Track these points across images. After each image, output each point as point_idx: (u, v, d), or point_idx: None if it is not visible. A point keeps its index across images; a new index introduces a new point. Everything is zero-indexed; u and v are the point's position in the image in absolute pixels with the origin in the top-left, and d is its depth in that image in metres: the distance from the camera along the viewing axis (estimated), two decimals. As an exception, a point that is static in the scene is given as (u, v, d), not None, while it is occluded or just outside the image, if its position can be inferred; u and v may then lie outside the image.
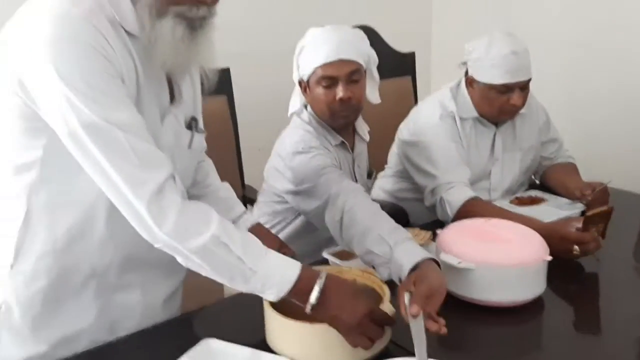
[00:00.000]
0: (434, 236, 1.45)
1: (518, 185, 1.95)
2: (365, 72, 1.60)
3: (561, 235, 1.40)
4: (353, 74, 1.54)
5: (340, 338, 1.02)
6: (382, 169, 2.14)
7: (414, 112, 1.93)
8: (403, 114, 2.40)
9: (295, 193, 1.55)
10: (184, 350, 1.08)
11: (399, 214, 1.87)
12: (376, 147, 2.19)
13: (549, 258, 1.27)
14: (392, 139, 2.10)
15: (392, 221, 1.29)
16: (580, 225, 1.42)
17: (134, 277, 1.18)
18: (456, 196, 1.68)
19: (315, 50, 1.54)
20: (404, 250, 1.18)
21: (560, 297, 1.35)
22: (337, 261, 1.43)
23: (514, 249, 1.27)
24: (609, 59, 2.53)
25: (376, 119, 2.35)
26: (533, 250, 1.27)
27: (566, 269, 1.41)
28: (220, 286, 1.10)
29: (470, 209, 1.62)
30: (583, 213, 1.64)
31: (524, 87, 1.75)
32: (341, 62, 1.52)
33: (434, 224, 1.65)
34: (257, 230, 1.35)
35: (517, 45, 1.71)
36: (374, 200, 1.90)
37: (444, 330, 1.01)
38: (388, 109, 2.38)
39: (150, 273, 1.20)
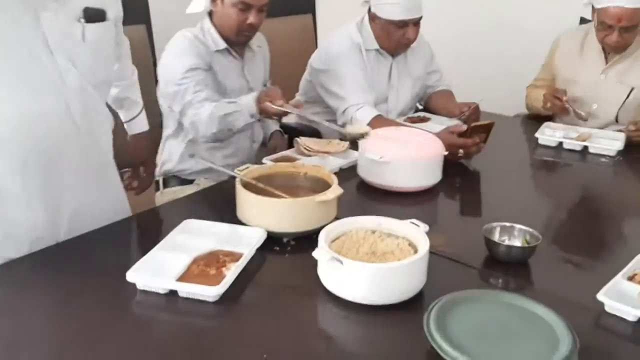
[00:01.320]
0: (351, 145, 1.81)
1: (409, 109, 2.34)
2: None
3: (449, 142, 1.79)
4: (265, 4, 1.82)
5: (299, 209, 1.32)
6: (293, 96, 2.43)
7: (326, 43, 2.22)
8: (306, 47, 2.70)
9: (164, 96, 1.85)
10: (167, 231, 1.32)
11: (314, 135, 2.18)
12: (285, 77, 2.47)
13: (445, 152, 1.66)
14: (297, 70, 2.39)
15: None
16: (459, 130, 1.81)
17: None
18: (365, 115, 2.03)
19: None
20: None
21: (450, 186, 1.75)
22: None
23: (419, 147, 1.65)
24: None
25: (282, 52, 2.62)
26: (433, 148, 1.66)
27: (454, 167, 1.80)
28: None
29: (377, 125, 1.96)
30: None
31: (416, 23, 2.11)
32: None
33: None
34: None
35: (412, -13, 2.06)
36: (287, 124, 2.24)
37: None
38: (291, 43, 2.68)
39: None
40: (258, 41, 2.00)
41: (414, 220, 1.25)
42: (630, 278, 1.19)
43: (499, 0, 3.00)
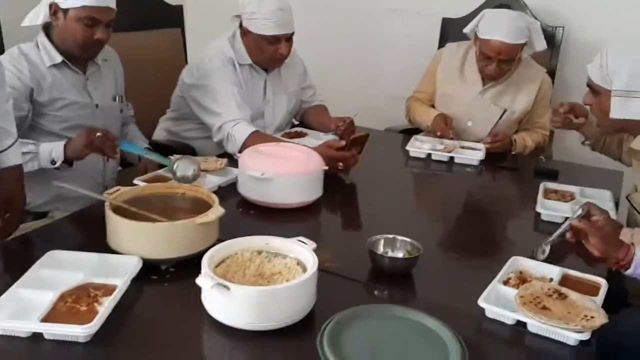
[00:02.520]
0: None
1: (285, 124, 2.32)
2: None
3: (329, 156, 1.79)
4: (112, 20, 1.72)
5: (177, 233, 1.24)
6: (163, 112, 2.32)
7: (197, 58, 2.13)
8: (176, 62, 2.60)
9: None
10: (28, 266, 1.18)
11: (187, 152, 2.09)
12: (155, 92, 2.34)
13: (326, 167, 1.66)
14: (166, 85, 2.29)
15: None
16: (337, 145, 1.83)
17: None
18: (242, 131, 1.97)
19: None
20: None
21: (331, 201, 1.74)
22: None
23: (300, 163, 1.63)
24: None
25: (151, 66, 2.50)
26: (313, 162, 1.65)
27: (332, 181, 1.81)
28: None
29: (254, 141, 1.92)
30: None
31: (288, 39, 2.10)
32: (108, 9, 1.69)
33: (224, 156, 1.92)
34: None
35: (283, 3, 2.05)
36: (157, 141, 2.13)
37: None
38: (160, 57, 2.57)
39: None
40: (104, 55, 1.86)
41: (301, 238, 1.22)
42: (505, 282, 1.26)
43: (368, 18, 3.10)
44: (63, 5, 1.65)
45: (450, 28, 2.75)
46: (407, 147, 2.17)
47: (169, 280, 1.24)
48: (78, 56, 1.74)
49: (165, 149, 2.03)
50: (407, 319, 1.06)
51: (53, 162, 1.63)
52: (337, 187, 1.81)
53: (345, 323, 1.03)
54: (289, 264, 1.19)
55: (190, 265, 1.22)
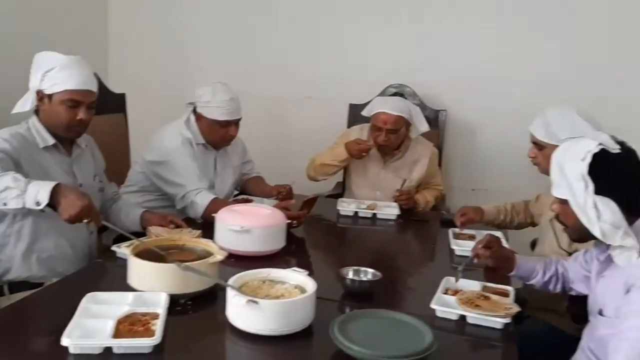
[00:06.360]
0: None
1: (230, 193, 2.68)
2: None
3: (287, 215, 2.14)
4: (93, 102, 1.97)
5: (176, 273, 1.52)
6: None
7: (158, 139, 2.45)
8: (120, 143, 2.89)
9: None
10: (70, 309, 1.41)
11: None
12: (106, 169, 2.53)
13: (289, 221, 2.04)
14: (116, 163, 2.55)
15: None
16: (289, 205, 2.23)
17: None
18: (203, 198, 2.30)
19: (68, 75, 1.88)
20: None
21: (290, 250, 2.10)
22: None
23: (270, 217, 2.00)
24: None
25: (100, 147, 2.73)
26: (279, 217, 2.03)
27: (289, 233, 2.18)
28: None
29: (213, 207, 2.24)
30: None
31: (237, 123, 2.50)
32: (88, 92, 1.94)
33: (188, 222, 2.22)
34: None
35: (233, 94, 2.46)
36: None
37: None
38: (107, 139, 2.83)
39: None
40: (85, 140, 2.11)
41: (295, 268, 1.58)
42: (445, 292, 1.69)
43: (285, 103, 3.60)
44: (48, 92, 1.88)
45: (357, 112, 3.30)
46: (338, 207, 2.61)
47: (190, 309, 1.53)
48: (63, 137, 1.95)
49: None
50: (391, 317, 1.45)
51: (38, 203, 1.60)
52: (289, 240, 2.18)
53: (347, 321, 1.39)
54: (288, 288, 1.53)
55: (201, 298, 1.54)
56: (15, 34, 2.91)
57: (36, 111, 1.95)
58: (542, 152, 2.09)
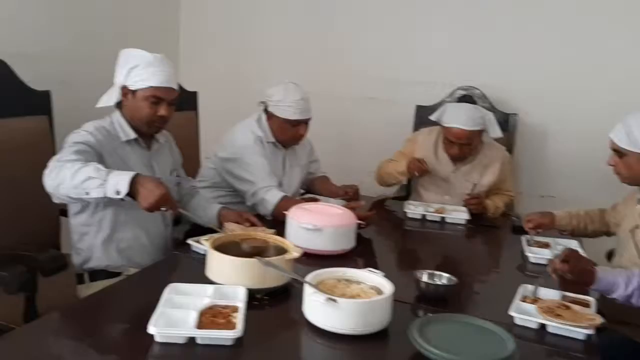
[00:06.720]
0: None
1: (297, 192, 2.70)
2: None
3: (357, 215, 2.13)
4: (175, 99, 2.03)
5: (255, 267, 1.55)
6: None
7: (230, 137, 2.50)
8: (191, 138, 2.94)
9: None
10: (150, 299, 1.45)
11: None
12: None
13: (360, 222, 2.04)
14: (184, 159, 2.56)
15: None
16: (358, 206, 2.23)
17: None
18: (273, 196, 2.33)
19: (152, 73, 1.93)
20: None
21: (364, 247, 2.11)
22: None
23: (342, 217, 2.00)
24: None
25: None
26: (350, 218, 2.03)
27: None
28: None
29: (283, 205, 2.26)
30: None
31: (307, 122, 2.52)
32: (170, 89, 2.00)
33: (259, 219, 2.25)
34: None
35: (304, 93, 2.48)
36: None
37: None
38: (179, 135, 2.89)
39: None
40: (164, 136, 2.18)
41: (371, 269, 1.58)
42: (523, 300, 1.65)
43: (350, 104, 3.61)
44: (132, 88, 1.95)
45: (423, 113, 3.26)
46: (405, 209, 2.59)
47: (267, 304, 1.55)
48: (144, 132, 2.02)
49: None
50: (471, 322, 1.42)
51: (117, 192, 1.65)
52: (358, 239, 2.17)
53: (425, 324, 1.37)
54: (364, 288, 1.53)
55: (276, 293, 1.56)
56: (95, 33, 3.03)
57: (118, 106, 2.02)
58: (622, 160, 2.00)
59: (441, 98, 3.25)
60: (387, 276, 1.56)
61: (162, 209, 1.69)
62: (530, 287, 1.73)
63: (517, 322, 1.54)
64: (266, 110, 2.52)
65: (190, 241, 1.95)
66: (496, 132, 2.73)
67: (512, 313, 1.55)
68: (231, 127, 2.56)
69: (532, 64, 3.22)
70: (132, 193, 1.66)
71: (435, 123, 2.80)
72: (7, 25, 2.59)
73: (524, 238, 2.26)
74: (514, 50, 3.24)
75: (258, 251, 1.69)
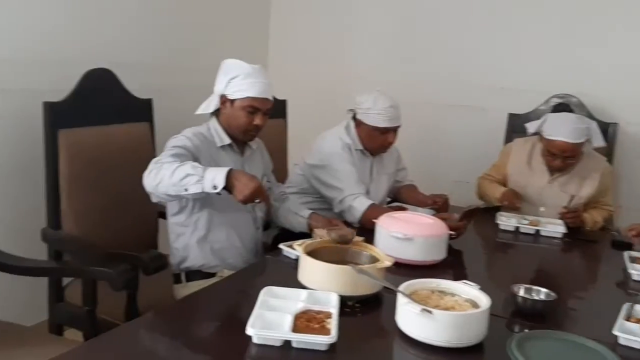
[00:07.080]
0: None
1: (384, 200, 2.69)
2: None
3: (449, 225, 2.08)
4: (270, 109, 2.09)
5: (349, 275, 1.55)
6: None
7: (319, 144, 2.53)
8: (280, 144, 2.99)
9: None
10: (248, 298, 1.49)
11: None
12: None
13: (451, 232, 2.00)
14: (274, 164, 2.61)
15: None
16: (451, 217, 2.18)
17: None
18: (361, 204, 2.33)
19: (251, 84, 2.00)
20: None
21: (454, 258, 2.08)
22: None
23: (432, 227, 1.98)
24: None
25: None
26: (441, 228, 1.99)
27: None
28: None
29: (371, 213, 2.26)
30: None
31: (395, 130, 2.51)
32: (267, 100, 2.05)
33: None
34: None
35: (393, 101, 2.47)
36: None
37: None
38: (268, 142, 2.96)
39: None
40: (256, 142, 2.24)
41: (466, 281, 1.54)
42: (627, 319, 1.56)
43: (435, 111, 3.56)
44: (231, 97, 2.02)
45: (516, 122, 3.17)
46: (497, 221, 2.52)
47: (358, 312, 1.55)
48: (239, 139, 2.10)
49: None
50: (572, 340, 1.36)
51: (215, 187, 1.72)
52: (448, 250, 2.14)
53: (524, 340, 1.33)
54: (459, 300, 1.50)
55: (367, 301, 1.55)
56: (192, 45, 3.17)
57: (215, 113, 2.10)
58: None
59: (535, 106, 3.14)
60: (482, 289, 1.52)
61: (256, 200, 1.76)
62: (636, 306, 1.63)
63: (621, 342, 1.46)
64: (355, 118, 2.53)
65: (282, 246, 1.99)
66: (599, 141, 2.59)
67: (616, 332, 1.47)
68: (319, 134, 2.59)
69: (634, 69, 3.05)
70: (227, 187, 1.73)
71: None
72: (114, 38, 2.77)
73: (626, 254, 2.14)
74: (616, 55, 3.09)
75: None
